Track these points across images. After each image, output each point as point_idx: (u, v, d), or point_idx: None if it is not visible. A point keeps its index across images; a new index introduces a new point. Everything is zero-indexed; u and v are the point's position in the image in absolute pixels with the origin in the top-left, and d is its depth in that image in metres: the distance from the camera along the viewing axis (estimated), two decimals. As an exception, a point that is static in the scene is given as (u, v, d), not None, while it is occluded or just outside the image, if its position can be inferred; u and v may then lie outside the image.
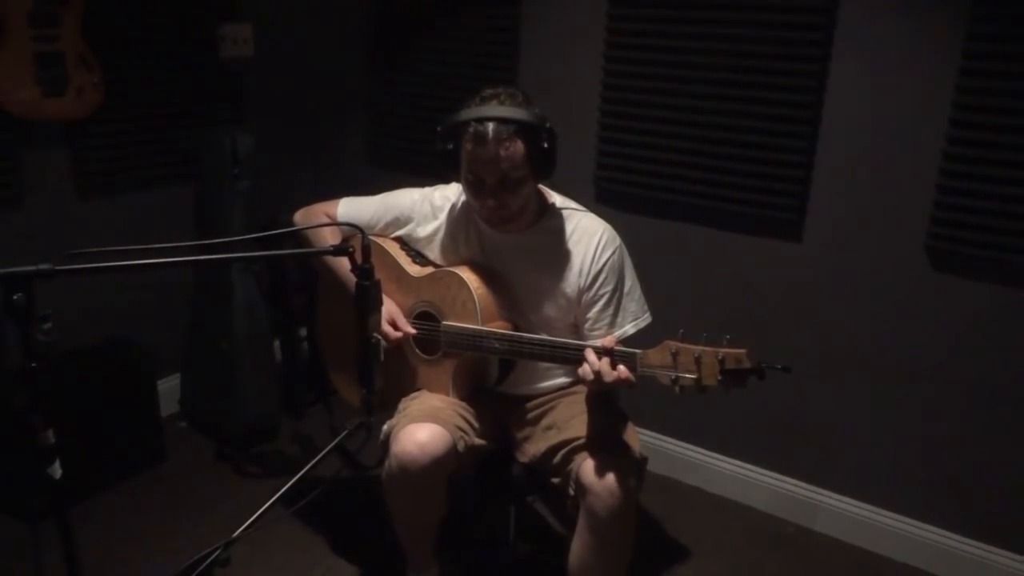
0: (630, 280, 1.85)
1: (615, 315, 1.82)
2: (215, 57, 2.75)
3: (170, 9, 2.60)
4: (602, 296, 1.81)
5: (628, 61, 2.40)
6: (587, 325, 1.83)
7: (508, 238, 1.84)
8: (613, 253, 1.81)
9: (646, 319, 1.85)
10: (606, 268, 1.80)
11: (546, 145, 1.69)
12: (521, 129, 1.66)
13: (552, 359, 1.75)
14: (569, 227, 1.84)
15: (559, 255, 1.82)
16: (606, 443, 1.70)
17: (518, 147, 1.66)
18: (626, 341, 1.81)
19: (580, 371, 1.63)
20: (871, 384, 2.25)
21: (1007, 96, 1.91)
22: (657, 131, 2.39)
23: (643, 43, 2.37)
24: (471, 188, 1.75)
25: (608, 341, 1.62)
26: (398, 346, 1.87)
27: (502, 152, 1.65)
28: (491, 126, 1.65)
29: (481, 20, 2.67)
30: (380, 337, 1.63)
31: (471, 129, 1.66)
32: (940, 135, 2.00)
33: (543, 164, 1.72)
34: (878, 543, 2.32)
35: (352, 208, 1.98)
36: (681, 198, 2.40)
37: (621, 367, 1.59)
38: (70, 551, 1.25)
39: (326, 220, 1.95)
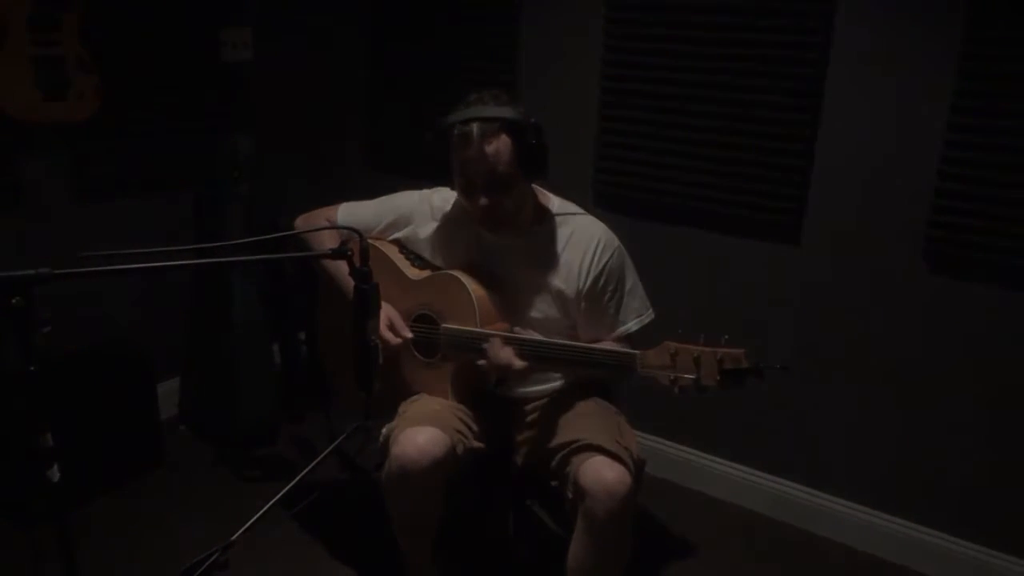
0: (631, 280, 1.86)
1: (617, 313, 1.84)
2: (215, 61, 2.75)
3: (170, 13, 2.61)
4: (602, 297, 1.82)
5: (627, 65, 2.41)
6: (588, 325, 1.83)
7: (506, 240, 1.84)
8: (612, 255, 1.82)
9: (649, 315, 1.87)
10: (606, 270, 1.81)
11: (533, 142, 1.70)
12: (505, 126, 1.67)
13: (553, 359, 1.76)
14: (567, 230, 1.84)
15: (558, 257, 1.83)
16: (604, 446, 1.71)
17: (503, 144, 1.67)
18: (631, 337, 1.83)
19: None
20: (870, 387, 2.25)
21: (1005, 99, 1.91)
22: (656, 134, 2.39)
23: (642, 46, 2.37)
24: (463, 191, 1.76)
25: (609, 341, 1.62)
26: (397, 350, 1.87)
27: (487, 149, 1.66)
28: (475, 126, 1.66)
29: (481, 23, 2.68)
30: (379, 341, 1.63)
31: (456, 131, 1.68)
32: (938, 138, 2.01)
33: (532, 162, 1.72)
34: (878, 546, 2.32)
35: (352, 212, 1.99)
36: (679, 201, 2.40)
37: (507, 349, 1.66)
38: (68, 555, 1.25)
39: (326, 225, 1.96)
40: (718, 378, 1.50)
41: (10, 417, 2.22)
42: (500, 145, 1.67)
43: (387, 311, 1.84)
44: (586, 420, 1.79)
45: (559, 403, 1.89)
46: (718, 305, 2.42)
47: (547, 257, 1.83)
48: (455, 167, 1.72)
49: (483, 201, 1.72)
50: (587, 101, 2.49)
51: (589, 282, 1.81)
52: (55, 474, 1.20)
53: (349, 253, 1.42)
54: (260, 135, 2.69)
